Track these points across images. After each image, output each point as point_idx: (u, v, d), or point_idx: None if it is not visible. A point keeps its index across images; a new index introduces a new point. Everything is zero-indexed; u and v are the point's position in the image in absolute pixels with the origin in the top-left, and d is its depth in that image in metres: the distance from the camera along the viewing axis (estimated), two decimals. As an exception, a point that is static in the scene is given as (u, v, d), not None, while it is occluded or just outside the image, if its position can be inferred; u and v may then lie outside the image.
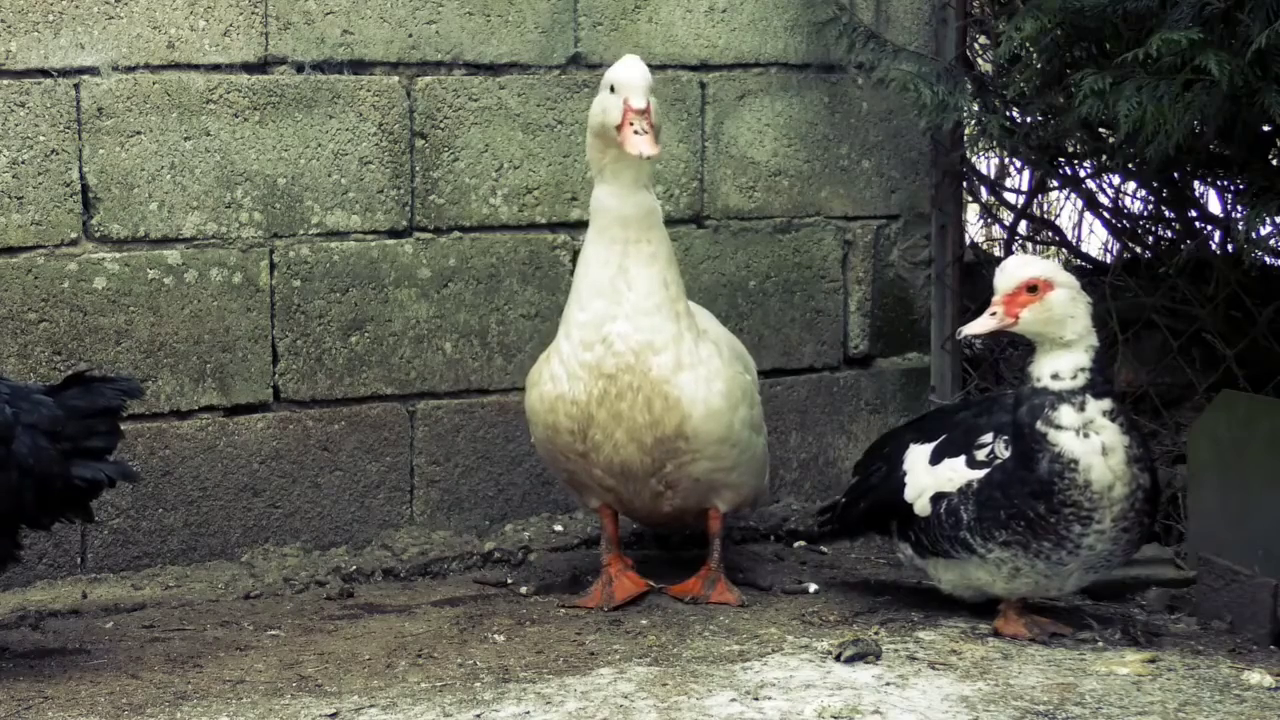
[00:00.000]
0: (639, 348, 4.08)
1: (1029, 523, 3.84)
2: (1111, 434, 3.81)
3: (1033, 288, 3.85)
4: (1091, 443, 3.80)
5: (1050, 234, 6.29)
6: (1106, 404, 3.83)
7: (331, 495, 4.70)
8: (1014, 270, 3.90)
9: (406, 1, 4.66)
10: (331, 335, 4.66)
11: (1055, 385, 3.83)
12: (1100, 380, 3.84)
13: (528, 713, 3.47)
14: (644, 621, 4.15)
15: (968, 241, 5.60)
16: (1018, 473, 3.85)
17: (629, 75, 4.03)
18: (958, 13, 5.20)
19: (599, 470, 4.21)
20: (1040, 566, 3.90)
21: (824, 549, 4.89)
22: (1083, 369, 3.83)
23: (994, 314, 3.88)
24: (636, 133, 3.97)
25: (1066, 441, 3.80)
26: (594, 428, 4.13)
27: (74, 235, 4.37)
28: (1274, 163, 5.00)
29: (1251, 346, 4.79)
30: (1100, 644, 3.94)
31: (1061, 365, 3.84)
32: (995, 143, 5.24)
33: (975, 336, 4.08)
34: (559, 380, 4.16)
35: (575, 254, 4.88)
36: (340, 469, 4.71)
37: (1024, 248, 6.27)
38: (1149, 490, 3.86)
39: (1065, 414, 3.81)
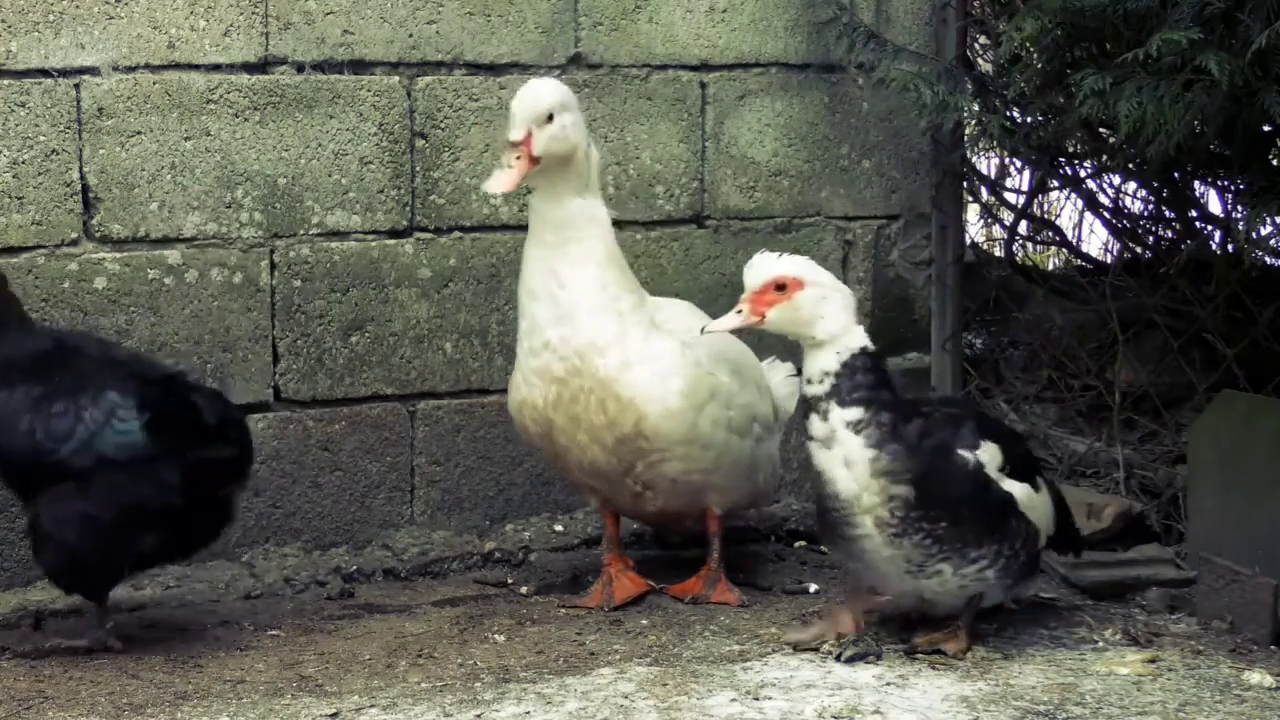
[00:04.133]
0: (582, 349, 4.06)
1: (822, 521, 3.83)
2: (854, 447, 3.65)
3: (781, 286, 3.70)
4: (834, 454, 3.68)
5: (1051, 234, 6.29)
6: (853, 413, 3.66)
7: (332, 495, 4.70)
8: (761, 268, 3.75)
9: (407, 1, 4.66)
10: (332, 335, 4.66)
11: (808, 390, 3.72)
12: (849, 387, 3.67)
13: (528, 713, 3.47)
14: (644, 621, 4.15)
15: (968, 241, 5.60)
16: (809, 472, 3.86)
17: (513, 104, 4.01)
18: (958, 13, 5.19)
19: (575, 471, 4.23)
20: (855, 566, 3.84)
21: (824, 549, 4.89)
22: (829, 373, 3.68)
23: (740, 311, 3.75)
24: (502, 166, 4.00)
25: (814, 451, 3.71)
26: (556, 431, 4.14)
27: (74, 235, 4.37)
28: (1274, 163, 5.00)
29: (1252, 346, 4.79)
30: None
31: (813, 369, 3.70)
32: (995, 143, 5.24)
33: (719, 333, 3.91)
34: (519, 387, 4.19)
35: (575, 254, 4.88)
36: (341, 469, 4.70)
37: (1024, 248, 6.28)
38: (913, 501, 3.66)
39: (814, 423, 3.69)
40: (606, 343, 4.06)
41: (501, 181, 3.99)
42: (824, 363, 3.68)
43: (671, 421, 4.10)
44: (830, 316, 3.70)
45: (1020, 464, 3.86)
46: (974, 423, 3.82)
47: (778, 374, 4.63)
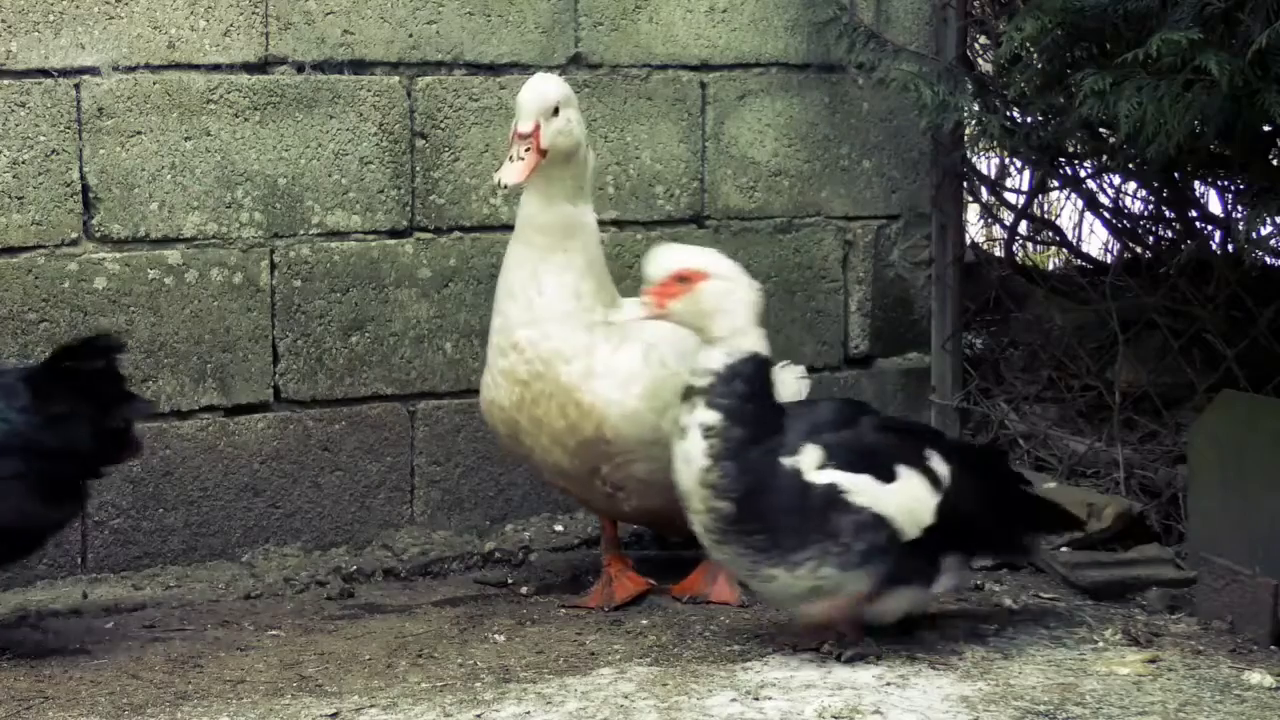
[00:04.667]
0: (548, 355, 4.05)
1: None
2: (696, 452, 3.60)
3: (684, 278, 3.63)
4: (681, 448, 3.64)
5: (1051, 234, 6.29)
6: (710, 418, 3.59)
7: (332, 495, 4.70)
8: (665, 260, 3.68)
9: (407, 1, 4.66)
10: (332, 335, 4.66)
11: (693, 381, 3.65)
12: (721, 390, 3.60)
13: (528, 713, 3.47)
14: (644, 621, 4.15)
15: (968, 241, 5.60)
16: None
17: (521, 96, 4.02)
18: (958, 13, 5.19)
19: (544, 473, 4.26)
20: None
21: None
22: (711, 371, 3.61)
23: (644, 303, 3.68)
24: (510, 159, 3.99)
25: (674, 438, 3.68)
26: (521, 432, 4.15)
27: (74, 235, 4.37)
28: (1274, 163, 5.00)
29: (1252, 346, 4.79)
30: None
31: (699, 363, 3.64)
32: (996, 143, 5.24)
33: (630, 321, 3.86)
34: (489, 386, 4.20)
35: (576, 254, 4.89)
36: (341, 469, 4.71)
37: (1024, 248, 6.28)
38: (732, 516, 3.62)
39: (683, 411, 3.65)
40: (573, 352, 4.06)
41: (514, 172, 3.98)
42: (711, 360, 3.62)
43: (631, 423, 4.09)
44: (732, 312, 3.63)
45: (871, 454, 3.72)
46: (816, 422, 3.72)
47: (790, 375, 4.58)
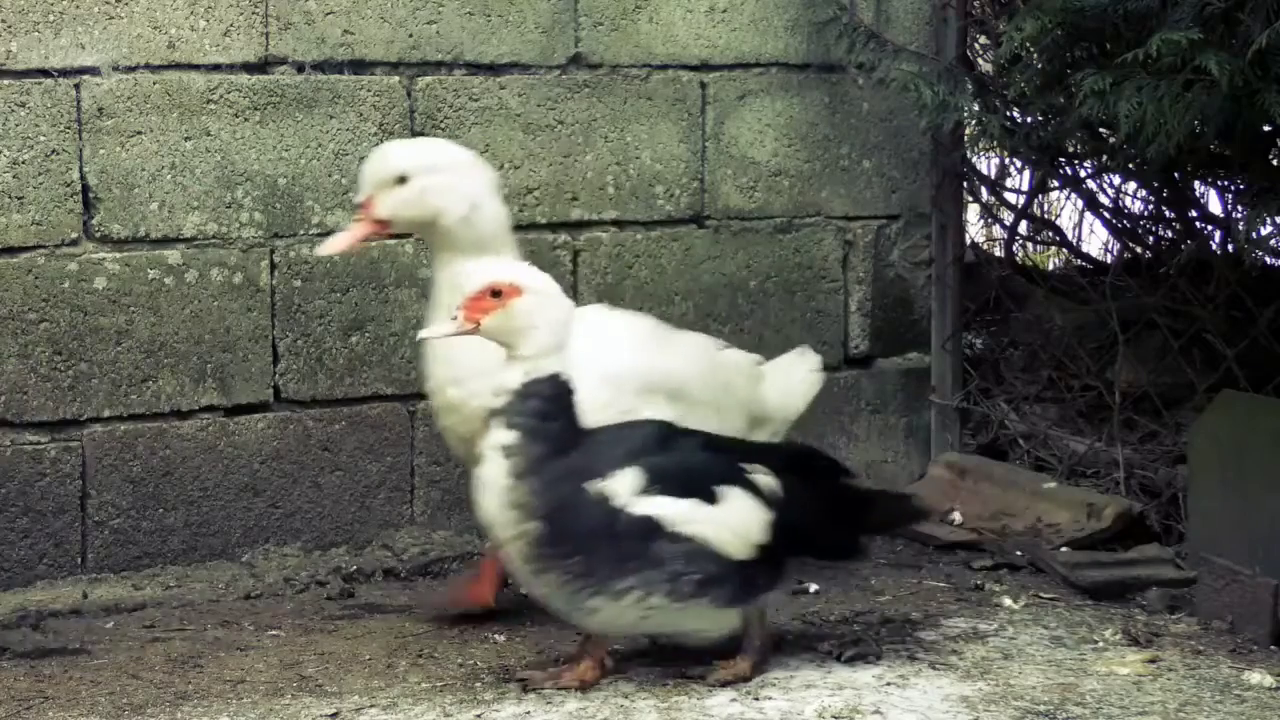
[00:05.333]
0: (479, 412, 3.75)
1: None
2: (497, 471, 3.45)
3: (496, 292, 3.47)
4: (481, 473, 3.48)
5: (1051, 234, 6.30)
6: (508, 438, 3.44)
7: (332, 495, 4.70)
8: (478, 273, 3.55)
9: (407, 1, 4.66)
10: (332, 335, 4.66)
11: (493, 403, 3.49)
12: (518, 409, 3.45)
13: (528, 713, 3.47)
14: (644, 621, 4.15)
15: (968, 241, 5.60)
16: None
17: (362, 169, 3.94)
18: (958, 13, 5.20)
19: None
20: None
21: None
22: (510, 390, 3.46)
23: (455, 317, 3.52)
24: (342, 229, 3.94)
25: (477, 464, 3.52)
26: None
27: (74, 235, 4.37)
28: (1274, 163, 5.00)
29: (1252, 346, 4.79)
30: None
31: (499, 382, 3.49)
32: (996, 143, 5.24)
33: (436, 338, 3.73)
34: (445, 431, 4.07)
35: (576, 254, 4.89)
36: (341, 469, 4.71)
37: (1024, 248, 6.28)
38: (545, 538, 3.44)
39: (489, 432, 3.49)
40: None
41: (332, 244, 3.94)
42: (510, 378, 3.47)
43: None
44: (544, 330, 3.48)
45: (693, 476, 3.56)
46: (631, 447, 3.54)
47: (802, 367, 4.40)
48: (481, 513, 3.51)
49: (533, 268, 3.61)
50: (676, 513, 3.52)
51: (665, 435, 3.64)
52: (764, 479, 3.64)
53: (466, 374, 3.88)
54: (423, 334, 3.74)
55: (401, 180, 3.88)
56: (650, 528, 3.50)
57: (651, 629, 3.68)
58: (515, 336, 3.48)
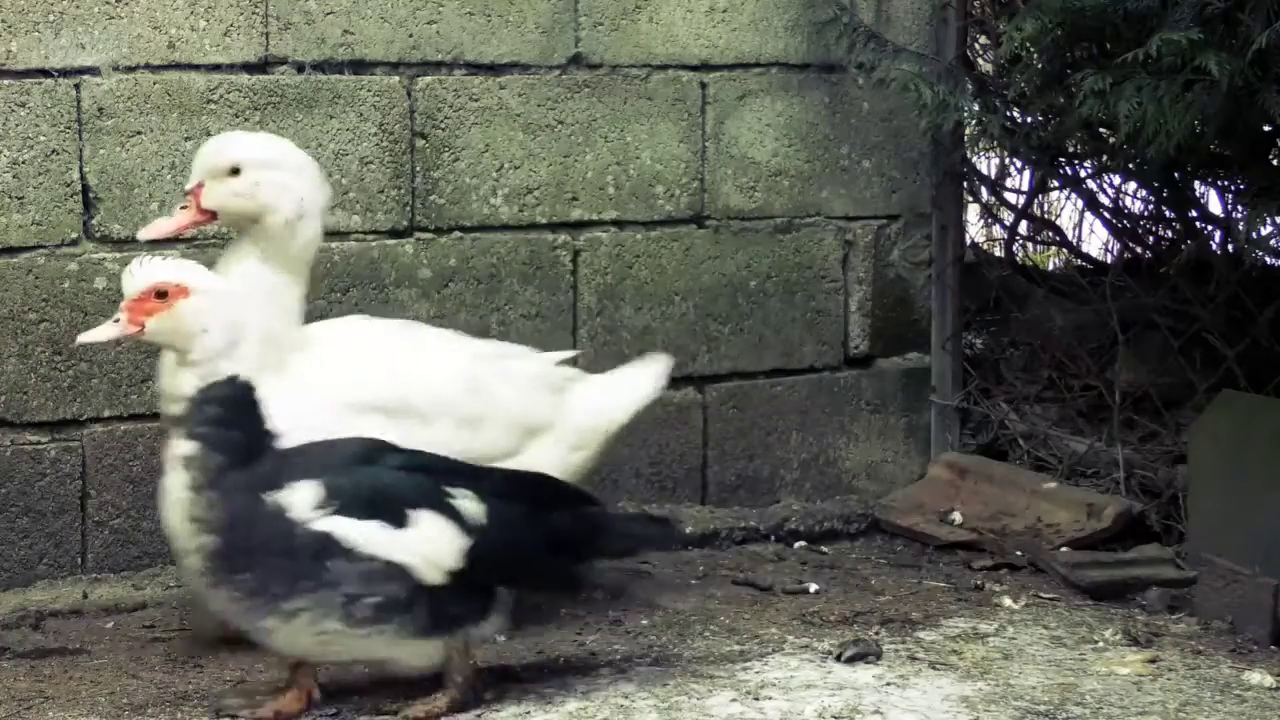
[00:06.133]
0: None
1: None
2: (178, 483, 3.28)
3: (162, 293, 3.27)
4: (164, 483, 3.33)
5: (1051, 234, 6.30)
6: (188, 448, 3.27)
7: (332, 495, 4.69)
8: (142, 273, 3.30)
9: (407, 1, 4.66)
10: (332, 335, 4.65)
11: (172, 410, 3.33)
12: (197, 418, 3.28)
13: (528, 713, 3.47)
14: (645, 621, 4.15)
15: (968, 241, 5.60)
16: None
17: (196, 155, 3.85)
18: (958, 13, 5.20)
19: None
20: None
21: (824, 549, 4.89)
22: (185, 398, 3.29)
23: (117, 320, 3.31)
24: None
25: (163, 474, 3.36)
26: None
27: (74, 235, 4.37)
28: (1274, 163, 5.01)
29: (1252, 346, 4.79)
30: None
31: (176, 388, 3.34)
32: (996, 143, 5.25)
33: (95, 344, 3.60)
34: None
35: (576, 254, 4.89)
36: (341, 469, 4.70)
37: (1024, 248, 6.28)
38: (219, 552, 3.26)
39: (170, 443, 3.33)
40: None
41: (154, 228, 3.85)
42: (185, 384, 3.30)
43: None
44: (215, 333, 3.28)
45: (383, 497, 3.36)
46: (321, 461, 3.36)
47: (636, 377, 4.19)
48: (164, 525, 3.36)
49: (200, 266, 3.41)
50: (357, 532, 3.32)
51: (366, 452, 3.45)
52: (467, 504, 3.43)
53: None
54: (81, 339, 3.42)
55: (235, 172, 3.78)
56: (328, 546, 3.29)
57: (341, 656, 3.46)
58: (184, 340, 3.29)
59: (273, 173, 3.80)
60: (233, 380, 3.29)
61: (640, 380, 4.19)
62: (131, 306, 3.30)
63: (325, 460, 3.37)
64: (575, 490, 3.76)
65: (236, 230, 3.88)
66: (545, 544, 3.54)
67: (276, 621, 3.31)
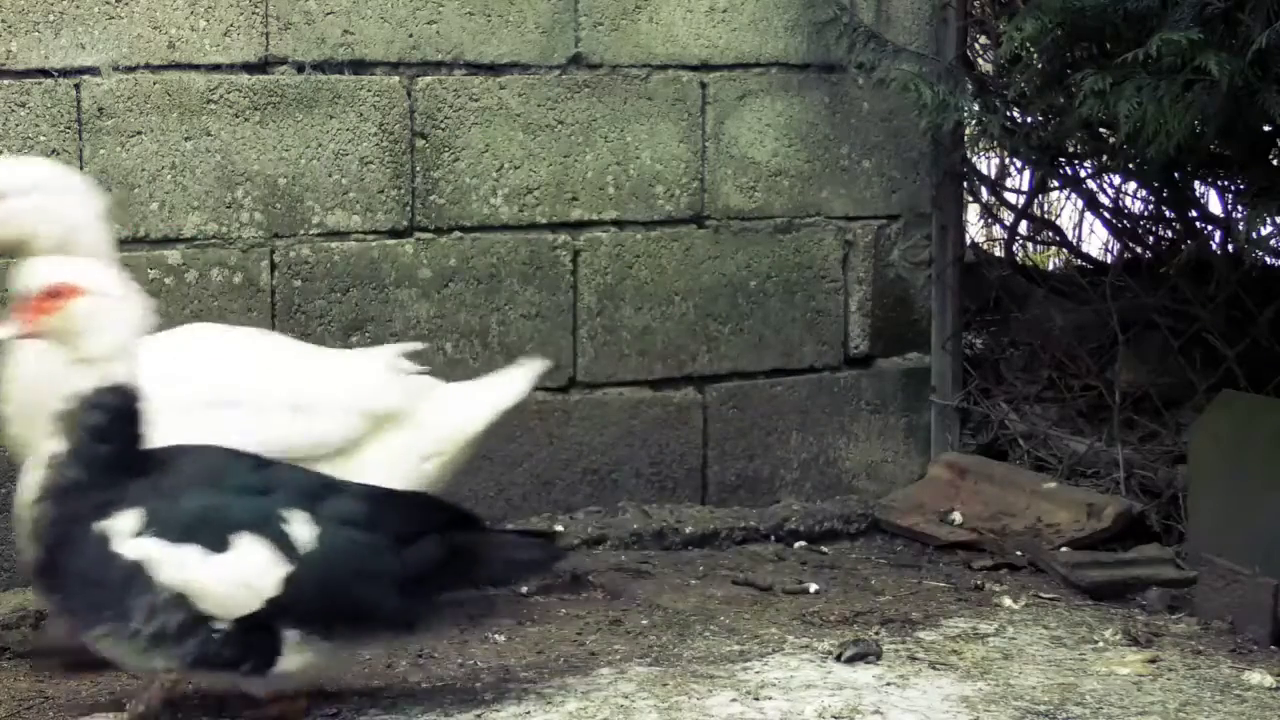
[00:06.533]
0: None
1: None
2: (35, 480, 3.20)
3: (56, 293, 3.19)
4: (24, 478, 3.27)
5: (1051, 234, 6.30)
6: (58, 448, 3.18)
7: (332, 495, 4.69)
8: (36, 273, 3.24)
9: (407, 1, 4.66)
10: (332, 335, 4.66)
11: (61, 406, 3.20)
12: (81, 420, 3.18)
13: (528, 713, 3.47)
14: (644, 621, 4.15)
15: (968, 241, 5.60)
16: None
17: None
18: (958, 13, 5.20)
19: None
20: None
21: (824, 549, 4.90)
22: (75, 397, 3.18)
23: (13, 321, 3.23)
24: None
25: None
26: None
27: (74, 235, 4.37)
28: (1274, 163, 5.01)
29: (1252, 346, 4.80)
30: None
31: (68, 386, 3.20)
32: (996, 143, 5.25)
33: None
34: None
35: (576, 254, 4.89)
36: (341, 469, 4.70)
37: (1024, 248, 6.29)
38: (42, 568, 3.18)
39: (48, 437, 3.21)
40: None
41: None
42: (77, 383, 3.19)
43: None
44: (108, 333, 3.20)
45: (203, 521, 3.21)
46: (159, 481, 3.24)
47: (499, 384, 4.07)
48: (16, 520, 3.30)
49: (97, 266, 3.33)
50: (162, 556, 3.18)
51: (214, 469, 3.32)
52: (299, 529, 3.26)
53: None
54: None
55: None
56: (132, 573, 3.17)
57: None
58: (77, 340, 3.21)
59: (31, 198, 3.64)
60: (121, 388, 3.21)
61: (503, 386, 4.08)
62: (29, 306, 3.22)
63: (164, 482, 3.25)
64: (453, 511, 3.54)
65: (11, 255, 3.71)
66: (395, 575, 3.33)
67: (90, 640, 3.24)
